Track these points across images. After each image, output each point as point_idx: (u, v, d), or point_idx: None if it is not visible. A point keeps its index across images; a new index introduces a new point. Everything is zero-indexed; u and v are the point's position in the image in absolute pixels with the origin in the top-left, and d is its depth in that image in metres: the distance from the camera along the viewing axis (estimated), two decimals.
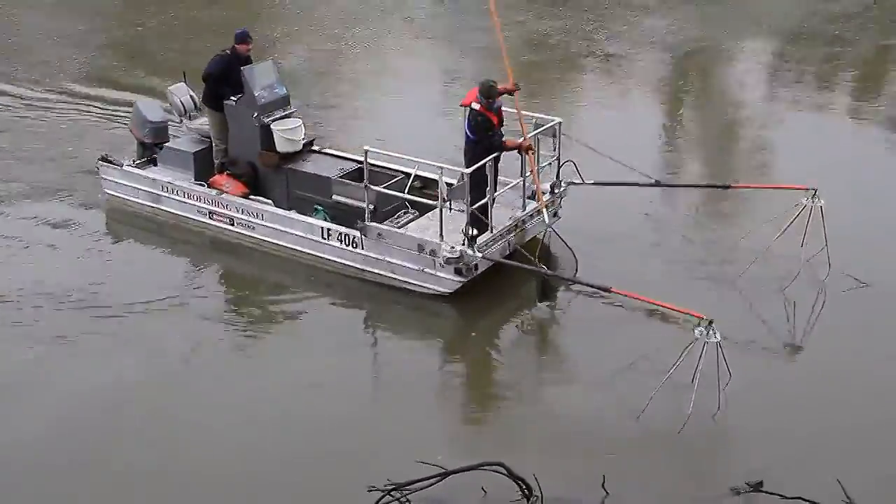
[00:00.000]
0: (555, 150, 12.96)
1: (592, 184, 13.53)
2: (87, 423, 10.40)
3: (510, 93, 12.50)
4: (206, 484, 9.71)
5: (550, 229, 12.65)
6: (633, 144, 15.41)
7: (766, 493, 9.11)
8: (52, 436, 10.22)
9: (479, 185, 11.98)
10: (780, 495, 8.99)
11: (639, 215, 14.10)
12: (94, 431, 10.31)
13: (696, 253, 13.37)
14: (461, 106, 12.57)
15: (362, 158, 12.46)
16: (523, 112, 12.69)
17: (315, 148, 14.05)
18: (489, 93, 12.03)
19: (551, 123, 12.80)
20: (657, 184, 13.52)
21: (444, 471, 9.11)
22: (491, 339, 12.04)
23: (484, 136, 12.05)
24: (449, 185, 12.00)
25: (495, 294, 12.39)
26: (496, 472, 9.11)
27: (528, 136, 12.44)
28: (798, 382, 10.91)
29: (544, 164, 12.94)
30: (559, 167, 13.04)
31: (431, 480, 9.08)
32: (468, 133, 12.21)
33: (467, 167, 11.95)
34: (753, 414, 10.27)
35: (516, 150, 12.38)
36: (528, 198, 12.85)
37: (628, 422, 10.11)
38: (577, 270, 12.47)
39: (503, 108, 12.48)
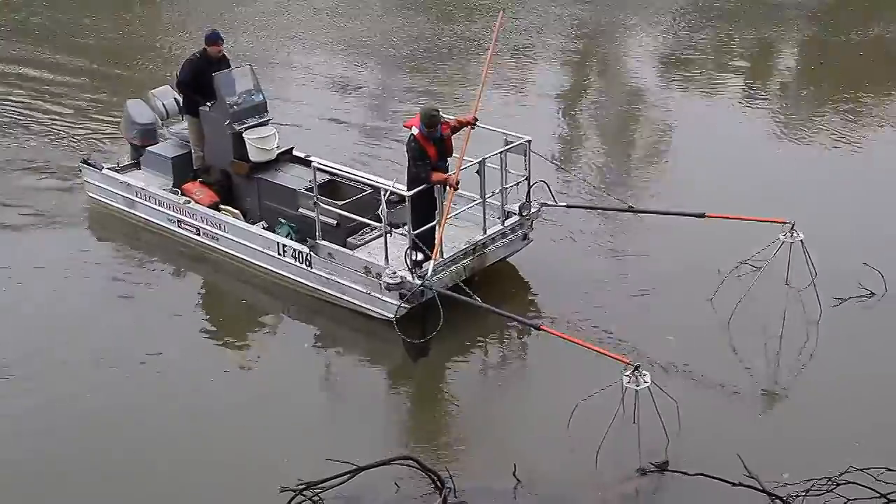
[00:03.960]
0: (525, 168, 12.52)
1: (565, 206, 13.26)
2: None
3: (466, 125, 12.02)
4: (121, 481, 9.68)
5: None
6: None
7: (671, 471, 9.18)
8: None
9: (422, 208, 11.57)
10: (684, 473, 9.01)
11: (604, 247, 13.67)
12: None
13: (672, 292, 12.48)
14: (404, 127, 12.23)
15: (342, 169, 12.29)
16: (494, 129, 12.36)
17: (299, 155, 13.64)
18: (430, 122, 11.40)
19: (520, 141, 12.34)
20: (630, 209, 13.19)
21: (355, 467, 8.91)
22: (438, 365, 11.52)
23: (412, 165, 11.61)
24: (390, 208, 11.54)
25: (449, 319, 11.39)
26: (408, 466, 8.93)
27: (459, 171, 11.76)
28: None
29: (511, 185, 12.50)
30: (529, 187, 12.60)
31: (343, 478, 8.88)
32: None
33: (408, 189, 11.56)
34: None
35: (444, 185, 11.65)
36: (498, 218, 12.59)
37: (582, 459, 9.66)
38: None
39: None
